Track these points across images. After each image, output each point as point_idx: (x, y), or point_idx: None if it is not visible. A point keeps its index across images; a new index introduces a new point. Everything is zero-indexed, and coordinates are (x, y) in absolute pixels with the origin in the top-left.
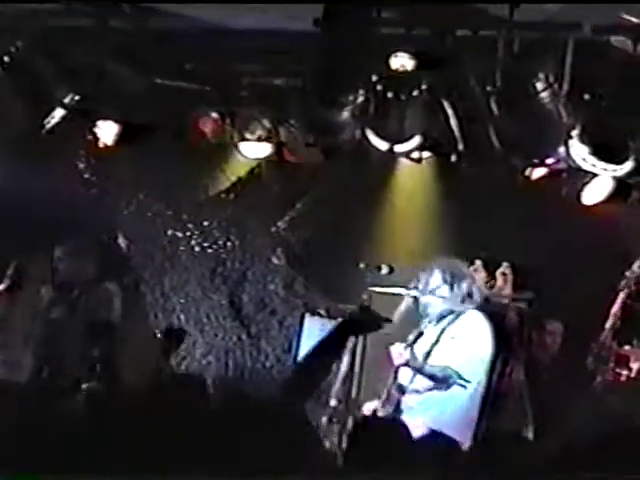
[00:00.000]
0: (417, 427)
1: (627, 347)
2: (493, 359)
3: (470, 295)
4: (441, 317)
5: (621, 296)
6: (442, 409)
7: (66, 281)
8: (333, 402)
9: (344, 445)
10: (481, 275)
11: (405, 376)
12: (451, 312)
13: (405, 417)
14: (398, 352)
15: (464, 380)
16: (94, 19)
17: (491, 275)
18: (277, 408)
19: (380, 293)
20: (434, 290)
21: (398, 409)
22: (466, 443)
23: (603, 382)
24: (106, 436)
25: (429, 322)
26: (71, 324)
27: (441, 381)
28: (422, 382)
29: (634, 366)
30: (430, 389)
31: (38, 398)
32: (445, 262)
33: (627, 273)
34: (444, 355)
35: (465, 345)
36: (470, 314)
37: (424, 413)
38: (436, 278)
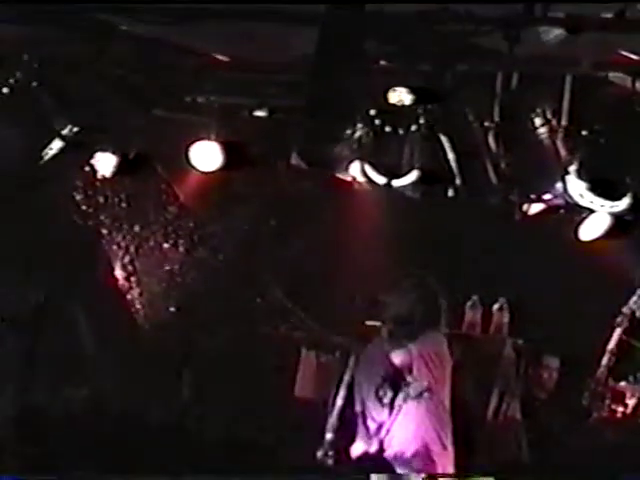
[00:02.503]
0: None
1: (623, 383)
2: (458, 375)
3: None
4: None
5: (617, 332)
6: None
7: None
8: (329, 436)
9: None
10: (478, 309)
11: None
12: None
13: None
14: None
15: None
16: (91, 50)
17: (488, 310)
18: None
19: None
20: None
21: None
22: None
23: (599, 418)
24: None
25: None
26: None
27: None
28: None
29: (630, 402)
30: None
31: None
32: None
33: (623, 309)
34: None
35: (429, 361)
36: (430, 334)
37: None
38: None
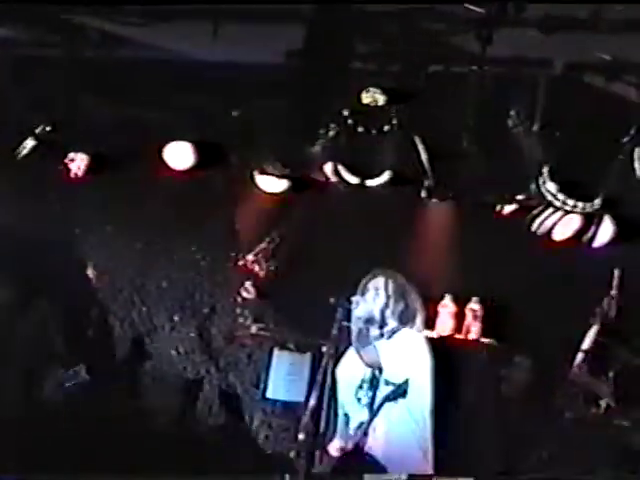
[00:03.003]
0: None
1: (595, 384)
2: (434, 375)
3: (413, 318)
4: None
5: (590, 333)
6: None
7: None
8: (301, 436)
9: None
10: (451, 310)
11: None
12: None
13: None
14: None
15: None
16: (65, 49)
17: (461, 310)
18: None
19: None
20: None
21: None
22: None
23: (572, 418)
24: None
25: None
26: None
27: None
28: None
29: (602, 403)
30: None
31: None
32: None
33: (597, 309)
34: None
35: (404, 362)
36: (406, 332)
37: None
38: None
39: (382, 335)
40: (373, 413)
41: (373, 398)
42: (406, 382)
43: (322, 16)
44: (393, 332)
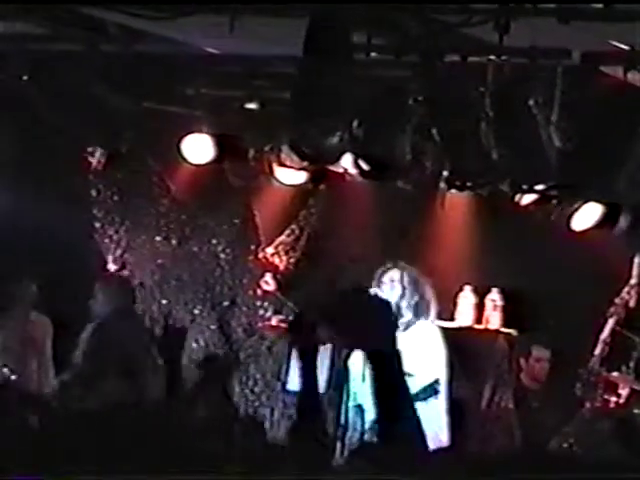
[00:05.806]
0: None
1: (615, 374)
2: (449, 369)
3: (427, 310)
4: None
5: (610, 322)
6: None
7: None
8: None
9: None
10: (471, 300)
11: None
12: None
13: None
14: None
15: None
16: (83, 43)
17: (480, 301)
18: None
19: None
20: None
21: None
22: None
23: (592, 409)
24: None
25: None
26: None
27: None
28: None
29: (622, 393)
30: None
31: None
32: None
33: (616, 300)
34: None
35: (420, 354)
36: (422, 324)
37: None
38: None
39: (398, 327)
40: None
41: None
42: (437, 381)
43: (337, 7)
44: (408, 325)
